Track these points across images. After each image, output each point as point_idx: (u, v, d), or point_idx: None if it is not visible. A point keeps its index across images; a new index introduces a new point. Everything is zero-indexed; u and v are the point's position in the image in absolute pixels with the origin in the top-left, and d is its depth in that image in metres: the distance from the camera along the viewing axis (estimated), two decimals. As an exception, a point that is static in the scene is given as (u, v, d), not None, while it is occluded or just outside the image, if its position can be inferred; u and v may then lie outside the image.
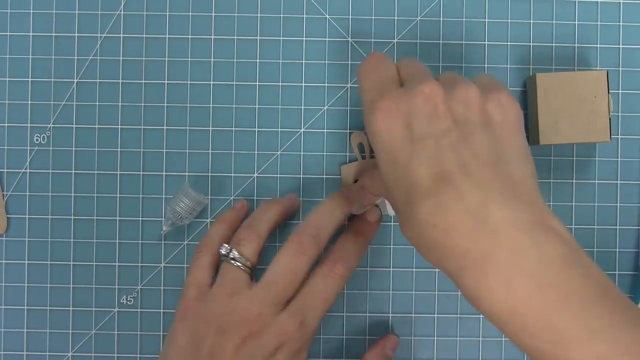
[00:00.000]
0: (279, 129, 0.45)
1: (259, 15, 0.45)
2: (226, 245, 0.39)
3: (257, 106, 0.45)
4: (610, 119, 0.41)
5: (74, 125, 0.45)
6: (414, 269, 0.45)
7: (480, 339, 0.45)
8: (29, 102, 0.45)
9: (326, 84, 0.45)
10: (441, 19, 0.45)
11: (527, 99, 0.45)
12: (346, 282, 0.39)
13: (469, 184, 0.29)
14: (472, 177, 0.29)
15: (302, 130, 0.45)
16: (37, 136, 0.45)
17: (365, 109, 0.33)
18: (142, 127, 0.45)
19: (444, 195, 0.29)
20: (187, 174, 0.45)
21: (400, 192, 0.31)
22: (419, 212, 0.29)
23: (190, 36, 0.45)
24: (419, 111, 0.30)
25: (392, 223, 0.45)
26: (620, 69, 0.45)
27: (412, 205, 0.30)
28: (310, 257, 0.38)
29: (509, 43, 0.45)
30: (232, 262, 0.38)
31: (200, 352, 0.36)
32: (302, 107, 0.45)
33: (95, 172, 0.45)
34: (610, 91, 0.41)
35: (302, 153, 0.45)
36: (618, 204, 0.45)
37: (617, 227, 0.45)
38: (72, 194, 0.45)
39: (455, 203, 0.28)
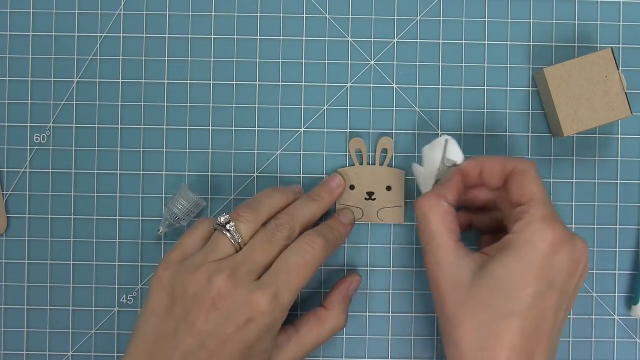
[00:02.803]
0: (279, 129, 0.45)
1: (258, 15, 0.45)
2: (227, 216, 0.38)
3: (257, 106, 0.45)
4: (626, 94, 0.41)
5: (74, 125, 0.45)
6: (413, 269, 0.45)
7: (480, 338, 0.45)
8: (29, 101, 0.45)
9: (326, 84, 0.45)
10: (441, 18, 0.45)
11: (539, 96, 0.45)
12: (323, 260, 0.39)
13: None
14: None
15: (301, 129, 0.45)
16: (37, 135, 0.45)
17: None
18: (142, 126, 0.45)
19: None
20: (186, 173, 0.45)
21: None
22: None
23: (190, 36, 0.45)
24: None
25: (391, 223, 0.45)
26: (621, 46, 0.45)
27: None
28: (287, 236, 0.38)
29: (509, 43, 0.45)
30: (226, 233, 0.38)
31: (174, 314, 0.36)
32: (302, 106, 0.45)
33: (95, 171, 0.45)
34: (620, 68, 0.42)
35: (301, 153, 0.45)
36: (618, 204, 0.45)
37: (617, 226, 0.45)
38: (72, 194, 0.45)
39: None
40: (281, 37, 0.45)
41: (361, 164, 0.44)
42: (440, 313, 0.37)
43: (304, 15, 0.45)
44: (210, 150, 0.45)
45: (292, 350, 0.39)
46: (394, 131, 0.45)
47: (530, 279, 0.34)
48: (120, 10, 0.45)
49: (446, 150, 0.39)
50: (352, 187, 0.43)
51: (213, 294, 0.36)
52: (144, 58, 0.45)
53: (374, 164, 0.44)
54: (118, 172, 0.45)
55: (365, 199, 0.43)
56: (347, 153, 0.45)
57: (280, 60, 0.45)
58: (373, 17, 0.45)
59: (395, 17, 0.45)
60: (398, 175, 0.44)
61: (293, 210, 0.40)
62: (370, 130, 0.45)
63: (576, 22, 0.45)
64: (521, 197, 0.36)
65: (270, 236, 0.38)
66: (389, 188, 0.43)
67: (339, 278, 0.44)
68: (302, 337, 0.40)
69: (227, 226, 0.38)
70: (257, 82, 0.45)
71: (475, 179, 0.40)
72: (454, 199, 0.38)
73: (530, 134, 0.45)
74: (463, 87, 0.45)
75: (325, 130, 0.45)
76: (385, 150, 0.44)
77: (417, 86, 0.45)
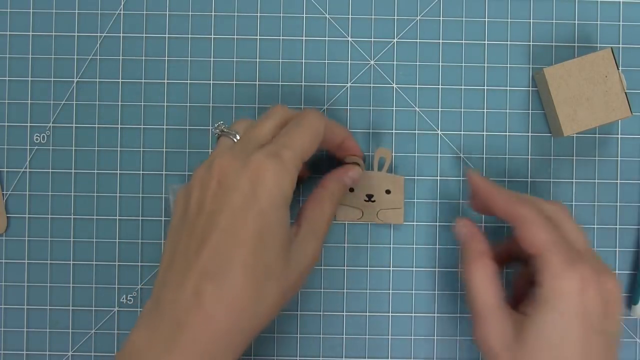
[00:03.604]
0: (279, 129, 0.45)
1: (258, 14, 0.45)
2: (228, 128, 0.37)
3: (256, 105, 0.45)
4: (626, 94, 0.41)
5: (74, 125, 0.45)
6: (413, 269, 0.45)
7: (480, 338, 0.45)
8: (29, 101, 0.45)
9: (326, 84, 0.45)
10: (441, 18, 0.45)
11: (539, 96, 0.45)
12: (320, 137, 0.37)
13: None
14: None
15: (302, 129, 0.45)
16: (37, 135, 0.45)
17: None
18: (142, 126, 0.45)
19: None
20: (186, 173, 0.45)
21: None
22: None
23: (190, 36, 0.45)
24: None
25: (391, 224, 0.45)
26: (621, 46, 0.45)
27: None
28: (279, 121, 0.37)
29: (509, 43, 0.45)
30: (227, 134, 0.37)
31: (189, 208, 0.35)
32: (302, 106, 0.45)
33: (95, 171, 0.45)
34: (620, 68, 0.42)
35: (302, 153, 0.45)
36: (618, 204, 0.45)
37: (617, 226, 0.45)
38: (72, 194, 0.45)
39: None
40: (281, 37, 0.45)
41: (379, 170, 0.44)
42: None
43: (304, 15, 0.45)
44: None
45: (307, 238, 0.36)
46: (394, 131, 0.45)
47: (572, 328, 0.33)
48: (120, 10, 0.45)
49: None
50: (351, 190, 0.43)
51: (216, 174, 0.34)
52: (144, 58, 0.45)
53: (372, 170, 0.44)
54: (118, 172, 0.45)
55: (365, 200, 0.43)
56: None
57: (280, 60, 0.45)
58: (373, 17, 0.45)
59: (395, 17, 0.45)
60: (397, 180, 0.43)
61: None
62: (371, 130, 0.45)
63: (576, 22, 0.45)
64: (532, 249, 0.35)
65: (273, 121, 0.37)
66: (388, 192, 0.43)
67: (338, 278, 0.44)
68: (309, 218, 0.37)
69: (225, 130, 0.37)
70: (257, 82, 0.45)
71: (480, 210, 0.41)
72: (486, 246, 0.38)
73: (530, 134, 0.45)
74: (463, 87, 0.45)
75: (325, 130, 0.45)
76: (383, 159, 0.43)
77: (417, 86, 0.45)
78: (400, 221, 0.44)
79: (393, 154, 0.45)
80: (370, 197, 0.43)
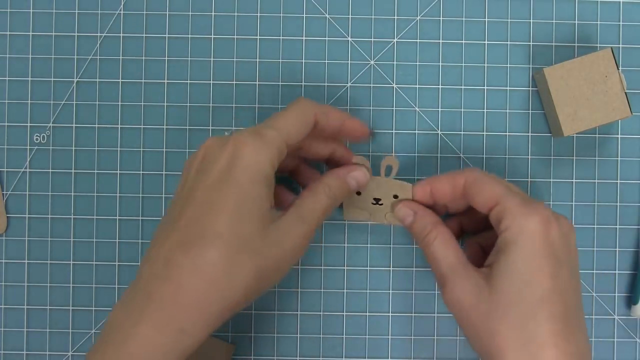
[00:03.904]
0: (279, 129, 0.45)
1: (258, 14, 0.45)
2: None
3: (256, 105, 0.45)
4: (626, 94, 0.41)
5: (74, 125, 0.45)
6: (413, 269, 0.45)
7: (480, 338, 0.45)
8: (29, 101, 0.45)
9: (326, 84, 0.45)
10: (441, 18, 0.45)
11: (539, 96, 0.45)
12: (309, 120, 0.37)
13: None
14: None
15: (302, 129, 0.45)
16: (37, 135, 0.45)
17: None
18: (142, 126, 0.45)
19: None
20: (187, 173, 0.45)
21: None
22: None
23: (190, 36, 0.45)
24: None
25: (391, 224, 0.45)
26: (621, 46, 0.45)
27: None
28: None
29: (509, 43, 0.45)
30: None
31: (177, 187, 0.36)
32: (302, 106, 0.45)
33: (95, 171, 0.45)
34: (620, 67, 0.42)
35: (302, 153, 0.45)
36: (618, 204, 0.45)
37: (617, 226, 0.45)
38: (72, 194, 0.45)
39: None
40: (281, 37, 0.45)
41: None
42: (472, 332, 0.36)
43: (304, 15, 0.45)
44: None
45: (292, 220, 0.35)
46: (394, 131, 0.45)
47: (541, 263, 0.34)
48: (120, 10, 0.45)
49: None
50: (358, 193, 0.42)
51: (201, 152, 0.35)
52: (144, 58, 0.45)
53: (380, 176, 0.42)
54: (118, 172, 0.45)
55: (373, 203, 0.42)
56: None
57: (280, 60, 0.45)
58: (373, 17, 0.45)
59: (395, 17, 0.45)
60: (405, 187, 0.41)
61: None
62: (371, 130, 0.45)
63: (576, 22, 0.45)
64: (489, 202, 0.37)
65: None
66: (396, 196, 0.42)
67: (338, 278, 0.44)
68: (298, 204, 0.36)
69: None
70: (257, 82, 0.45)
71: (428, 201, 0.40)
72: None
73: (530, 134, 0.45)
74: (463, 87, 0.45)
75: (325, 130, 0.45)
76: (390, 168, 0.42)
77: (417, 86, 0.45)
78: None
79: (393, 154, 0.45)
80: (377, 201, 0.42)
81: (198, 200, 0.33)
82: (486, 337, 0.35)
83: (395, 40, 0.45)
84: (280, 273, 0.35)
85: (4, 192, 0.45)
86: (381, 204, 0.42)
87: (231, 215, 0.33)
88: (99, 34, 0.45)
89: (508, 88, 0.45)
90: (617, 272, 0.45)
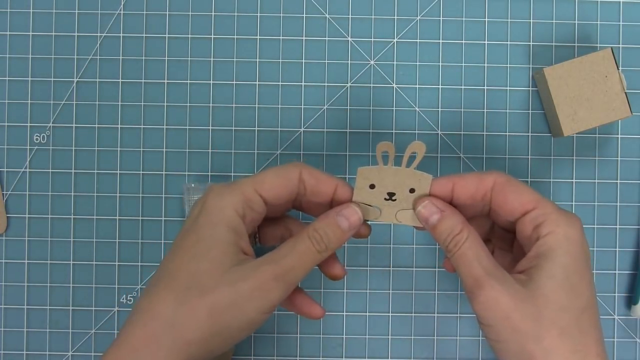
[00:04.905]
0: (279, 129, 0.45)
1: (258, 14, 0.45)
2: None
3: (257, 106, 0.45)
4: (626, 94, 0.41)
5: (74, 125, 0.45)
6: (414, 269, 0.45)
7: (480, 338, 0.45)
8: (29, 101, 0.45)
9: (326, 84, 0.45)
10: (441, 18, 0.45)
11: (539, 96, 0.45)
12: (291, 177, 0.36)
13: None
14: None
15: (302, 129, 0.45)
16: (37, 135, 0.45)
17: None
18: (142, 126, 0.45)
19: None
20: (186, 173, 0.45)
21: None
22: None
23: (190, 36, 0.45)
24: None
25: (391, 224, 0.45)
26: (621, 46, 0.45)
27: None
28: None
29: (509, 43, 0.45)
30: None
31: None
32: (302, 106, 0.45)
33: (95, 171, 0.45)
34: (620, 67, 0.42)
35: (301, 152, 0.45)
36: (618, 204, 0.45)
37: (617, 226, 0.45)
38: (72, 194, 0.45)
39: None
40: (281, 37, 0.45)
41: (386, 164, 0.38)
42: (511, 335, 0.34)
43: (304, 15, 0.45)
44: (210, 150, 0.45)
45: (260, 261, 0.34)
46: (394, 131, 0.45)
47: (584, 271, 0.35)
48: (120, 10, 0.45)
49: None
50: (372, 187, 0.38)
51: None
52: (144, 58, 0.45)
53: (400, 166, 0.38)
54: (118, 172, 0.45)
55: (385, 199, 0.39)
56: (347, 153, 0.45)
57: (280, 60, 0.45)
58: (373, 17, 0.45)
59: (395, 17, 0.45)
60: (424, 178, 0.38)
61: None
62: (371, 130, 0.45)
63: (576, 22, 0.45)
64: (526, 205, 0.35)
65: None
66: (412, 190, 0.38)
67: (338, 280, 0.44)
68: (277, 249, 0.35)
69: None
70: (257, 82, 0.45)
71: (447, 199, 0.37)
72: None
73: (530, 134, 0.45)
74: (463, 87, 0.45)
75: (325, 130, 0.45)
76: (413, 157, 0.38)
77: (417, 86, 0.45)
78: (420, 224, 0.38)
79: (395, 154, 0.44)
80: (391, 196, 0.38)
81: (171, 249, 0.35)
82: (532, 341, 0.34)
83: (395, 40, 0.45)
84: (243, 314, 0.33)
85: (4, 192, 0.45)
86: (394, 200, 0.38)
87: (186, 256, 0.34)
88: (99, 34, 0.45)
89: (508, 88, 0.45)
90: (617, 272, 0.45)
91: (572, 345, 0.34)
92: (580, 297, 0.34)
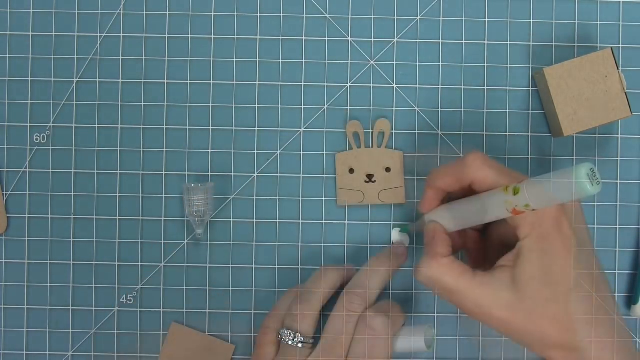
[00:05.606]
0: (279, 129, 0.45)
1: (258, 14, 0.45)
2: (285, 332, 0.40)
3: (257, 105, 0.45)
4: (626, 94, 0.41)
5: (74, 125, 0.45)
6: (414, 269, 0.45)
7: (480, 338, 0.45)
8: (29, 101, 0.45)
9: (326, 84, 0.45)
10: (441, 18, 0.45)
11: (539, 96, 0.45)
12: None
13: None
14: None
15: (302, 129, 0.45)
16: (37, 135, 0.45)
17: None
18: (142, 126, 0.45)
19: None
20: (186, 173, 0.45)
21: None
22: None
23: (190, 36, 0.45)
24: None
25: (391, 223, 0.45)
26: (621, 46, 0.45)
27: None
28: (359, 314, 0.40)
29: (509, 43, 0.45)
30: (291, 343, 0.40)
31: None
32: (302, 106, 0.45)
33: (95, 171, 0.45)
34: (620, 67, 0.42)
35: (301, 152, 0.45)
36: (618, 204, 0.45)
37: (617, 226, 0.45)
38: (72, 194, 0.45)
39: None
40: (281, 37, 0.45)
41: (359, 147, 0.44)
42: (518, 330, 0.37)
43: (304, 15, 0.45)
44: (210, 150, 0.45)
45: None
46: (393, 131, 0.45)
47: (563, 252, 0.36)
48: (120, 10, 0.45)
49: None
50: (351, 171, 0.43)
51: None
52: (144, 58, 0.45)
53: (372, 147, 0.44)
54: (118, 172, 0.45)
55: (366, 181, 0.43)
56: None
57: (280, 60, 0.45)
58: (373, 17, 0.45)
59: (395, 17, 0.45)
60: (396, 156, 0.44)
61: (365, 282, 0.41)
62: (371, 130, 0.45)
63: (576, 22, 0.45)
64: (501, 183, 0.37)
65: (347, 319, 0.40)
66: (388, 169, 0.43)
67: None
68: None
69: (290, 342, 0.40)
70: (257, 82, 0.45)
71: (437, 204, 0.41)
72: (447, 250, 0.38)
73: (530, 134, 0.45)
74: (463, 87, 0.45)
75: (325, 130, 0.45)
76: (383, 133, 0.44)
77: (417, 86, 0.45)
78: (402, 200, 0.44)
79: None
80: (370, 178, 0.43)
81: None
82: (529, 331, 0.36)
83: (395, 40, 0.45)
84: None
85: (4, 192, 0.45)
86: (374, 181, 0.43)
87: None
88: (99, 34, 0.45)
89: (508, 88, 0.45)
90: (617, 272, 0.45)
91: (567, 324, 0.36)
92: (566, 280, 0.36)
